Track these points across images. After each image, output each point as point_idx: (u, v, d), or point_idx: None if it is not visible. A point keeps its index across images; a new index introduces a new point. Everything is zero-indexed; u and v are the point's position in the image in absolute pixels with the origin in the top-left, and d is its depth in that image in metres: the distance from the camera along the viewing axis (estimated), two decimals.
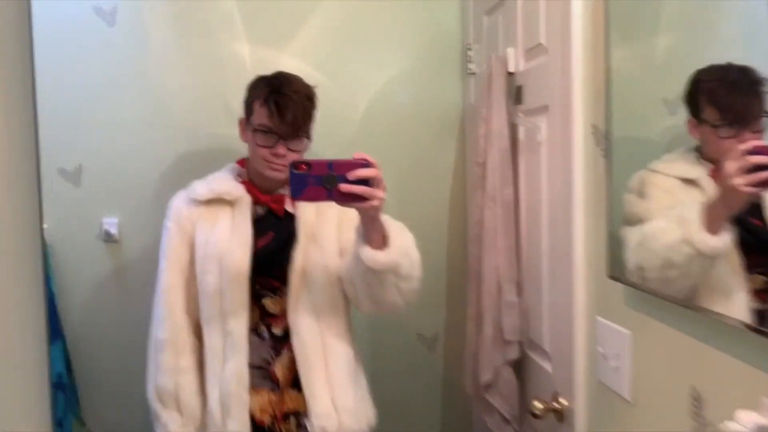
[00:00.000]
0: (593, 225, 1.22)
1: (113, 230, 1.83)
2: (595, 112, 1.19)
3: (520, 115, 1.56)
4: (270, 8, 1.90)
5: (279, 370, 1.40)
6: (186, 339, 1.41)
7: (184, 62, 1.86)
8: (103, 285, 1.86)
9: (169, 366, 1.39)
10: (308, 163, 1.06)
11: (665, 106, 0.97)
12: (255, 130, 1.39)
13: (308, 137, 1.43)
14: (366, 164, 1.08)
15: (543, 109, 1.42)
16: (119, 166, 1.83)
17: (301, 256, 1.40)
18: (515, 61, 1.59)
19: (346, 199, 1.09)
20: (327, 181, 1.06)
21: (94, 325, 1.86)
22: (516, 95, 1.59)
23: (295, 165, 1.07)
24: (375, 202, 1.11)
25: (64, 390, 1.77)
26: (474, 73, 1.91)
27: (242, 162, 1.50)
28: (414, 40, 1.97)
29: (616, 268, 1.10)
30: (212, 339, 1.38)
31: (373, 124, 1.97)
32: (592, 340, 1.24)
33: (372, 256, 1.21)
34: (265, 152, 1.38)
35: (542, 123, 1.43)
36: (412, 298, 1.35)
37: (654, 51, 1.02)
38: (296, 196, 1.09)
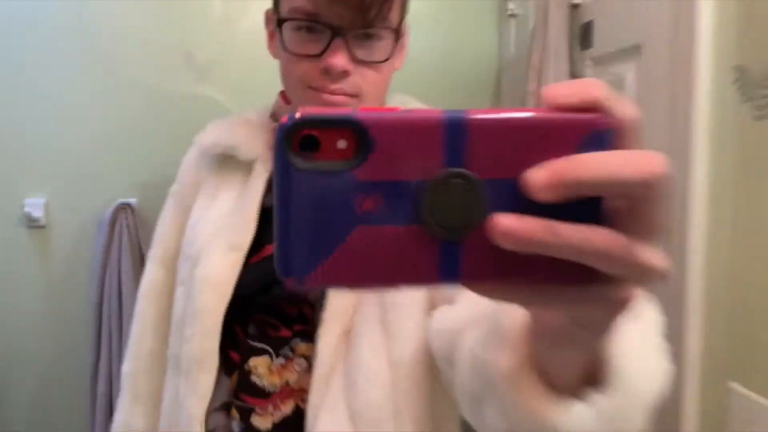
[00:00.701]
0: (728, 234, 0.76)
1: (38, 213, 1.47)
2: (744, 48, 0.72)
3: (589, 62, 1.10)
4: None
5: None
6: (148, 381, 0.86)
7: None
8: (25, 281, 1.49)
9: (121, 419, 0.87)
10: (360, 124, 0.24)
11: None
12: (285, 22, 0.70)
13: (396, 37, 0.71)
14: (604, 132, 0.25)
15: (631, 52, 0.98)
16: (47, 132, 1.47)
17: (345, 293, 0.74)
18: None
19: (529, 276, 0.26)
20: (434, 210, 0.25)
21: (11, 329, 1.49)
22: (582, 37, 1.13)
23: (300, 129, 0.24)
24: (627, 293, 0.28)
25: None
26: (515, 15, 1.48)
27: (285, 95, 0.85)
28: None
29: None
30: (165, 400, 0.81)
31: None
32: (714, 416, 0.79)
33: (556, 422, 0.38)
34: (305, 69, 0.70)
35: (629, 72, 0.97)
36: None
37: None
38: (299, 274, 0.25)
